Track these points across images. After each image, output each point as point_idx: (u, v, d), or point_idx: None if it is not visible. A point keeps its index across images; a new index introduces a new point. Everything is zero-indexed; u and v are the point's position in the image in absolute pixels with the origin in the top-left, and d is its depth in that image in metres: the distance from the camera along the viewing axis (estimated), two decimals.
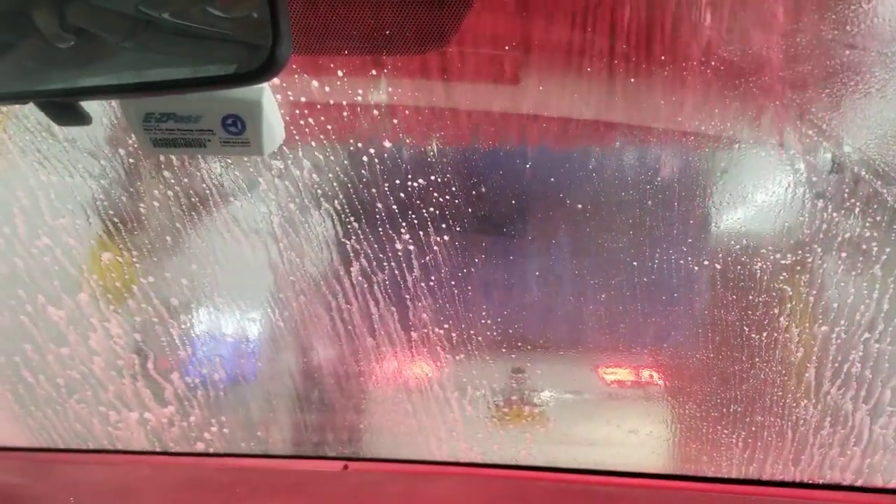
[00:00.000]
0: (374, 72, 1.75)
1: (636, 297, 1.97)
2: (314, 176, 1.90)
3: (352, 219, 1.94)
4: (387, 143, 1.86)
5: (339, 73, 1.74)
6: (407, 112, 1.80)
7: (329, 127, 1.83)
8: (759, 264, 1.87)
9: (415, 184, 1.88)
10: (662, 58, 1.62)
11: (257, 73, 0.84)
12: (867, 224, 1.78)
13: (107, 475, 1.96)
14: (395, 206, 1.91)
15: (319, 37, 1.37)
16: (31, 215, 2.02)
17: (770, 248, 1.86)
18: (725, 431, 2.04)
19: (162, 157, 1.93)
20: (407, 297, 2.04)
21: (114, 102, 1.59)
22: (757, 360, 1.97)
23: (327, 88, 1.77)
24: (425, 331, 2.07)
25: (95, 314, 2.15)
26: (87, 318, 2.15)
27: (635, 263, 1.92)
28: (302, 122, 1.81)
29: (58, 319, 2.14)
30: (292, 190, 1.93)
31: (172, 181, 1.96)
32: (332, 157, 1.87)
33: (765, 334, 1.94)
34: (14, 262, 2.08)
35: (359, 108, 1.78)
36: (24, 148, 1.93)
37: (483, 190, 1.90)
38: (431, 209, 1.90)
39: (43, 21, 0.88)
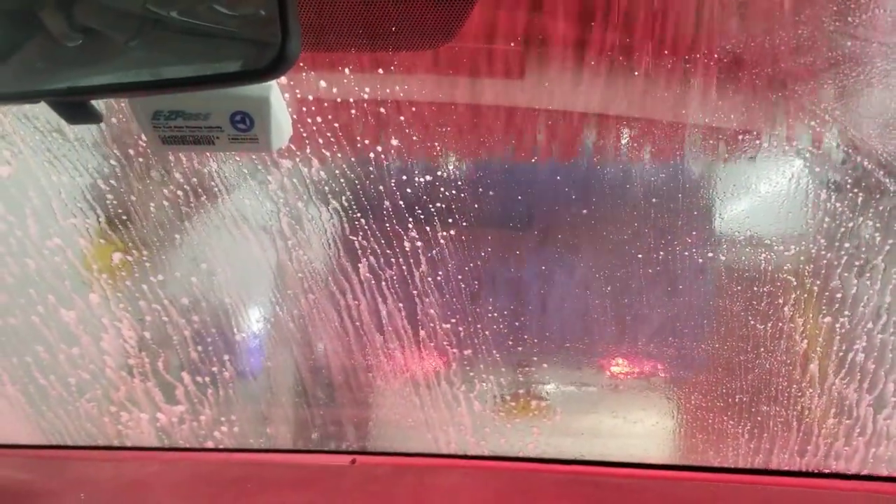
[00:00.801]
0: (380, 70, 1.75)
1: (641, 289, 1.98)
2: (321, 173, 1.91)
3: (359, 215, 1.95)
4: (394, 141, 1.87)
5: (346, 70, 1.75)
6: (414, 109, 1.80)
7: (336, 125, 1.84)
8: (764, 255, 1.88)
9: (421, 180, 1.89)
10: (665, 51, 1.63)
11: (267, 70, 0.85)
12: (870, 214, 1.78)
13: (117, 471, 1.97)
14: (402, 203, 1.92)
15: (326, 34, 1.38)
16: (42, 216, 2.03)
17: (774, 238, 1.86)
18: (731, 422, 2.05)
19: (171, 157, 1.94)
20: (414, 292, 2.04)
21: (123, 100, 1.60)
22: (762, 350, 1.98)
23: (334, 87, 1.78)
24: (432, 325, 2.08)
25: (106, 314, 2.16)
26: (98, 318, 2.16)
27: (640, 256, 1.93)
28: (309, 120, 1.82)
29: (69, 320, 2.15)
30: (300, 188, 1.94)
31: (181, 180, 1.97)
32: (339, 155, 1.88)
33: (769, 324, 1.95)
34: (26, 263, 2.10)
35: (366, 105, 1.79)
36: (35, 148, 1.95)
37: (489, 185, 1.91)
38: (438, 205, 1.91)
39: (51, 20, 0.89)
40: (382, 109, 1.81)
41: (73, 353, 2.19)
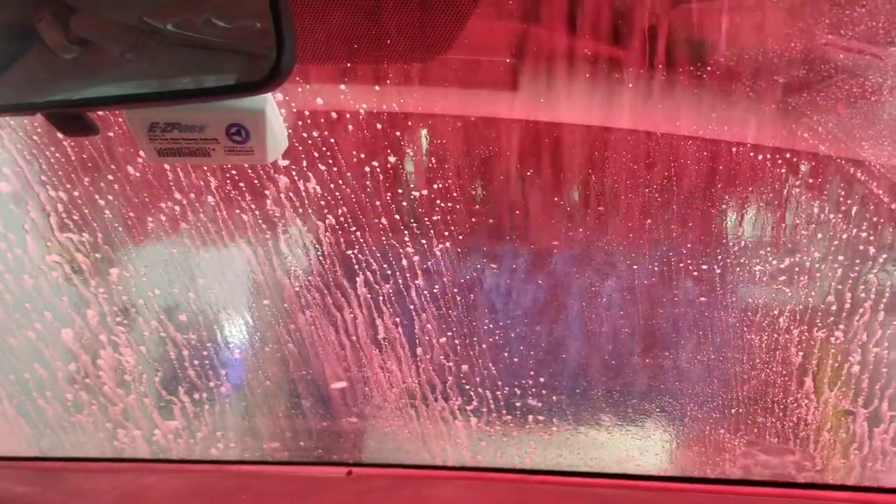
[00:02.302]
0: (377, 87, 1.76)
1: (637, 300, 1.98)
2: (317, 188, 1.91)
3: (355, 229, 1.95)
4: (390, 154, 1.87)
5: (342, 86, 1.76)
6: (409, 122, 1.81)
7: (332, 139, 1.84)
8: (758, 267, 1.88)
9: (418, 193, 1.89)
10: (660, 65, 1.63)
11: (262, 82, 0.85)
12: (864, 226, 1.78)
13: (113, 483, 1.97)
14: (398, 217, 1.92)
15: (321, 47, 1.38)
16: (39, 231, 2.03)
17: (768, 250, 1.86)
18: (728, 434, 2.05)
19: (169, 174, 1.94)
20: (411, 306, 2.04)
21: (118, 113, 1.61)
22: (758, 362, 1.98)
23: (331, 101, 1.78)
24: (429, 339, 2.08)
25: (103, 330, 2.16)
26: (96, 334, 2.17)
27: (636, 268, 1.93)
28: (304, 135, 1.82)
29: (66, 337, 2.15)
30: (297, 202, 1.94)
31: (178, 196, 1.97)
32: (335, 169, 1.88)
33: (765, 337, 1.95)
34: (23, 280, 2.10)
35: (361, 118, 1.79)
36: (32, 162, 1.95)
37: (485, 198, 1.91)
38: (435, 218, 1.91)
39: (48, 32, 0.90)
40: (378, 125, 1.81)
41: (70, 368, 2.19)
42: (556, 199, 1.89)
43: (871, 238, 1.79)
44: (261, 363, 2.22)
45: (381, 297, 2.05)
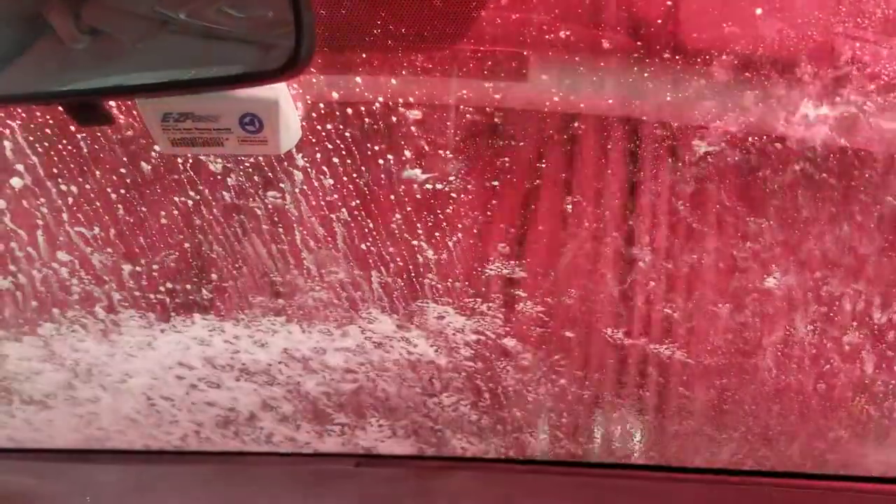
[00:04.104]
0: (393, 80, 1.76)
1: (662, 290, 1.97)
2: (330, 180, 1.91)
3: (369, 223, 1.95)
4: (406, 151, 1.87)
5: (357, 78, 1.76)
6: (423, 116, 1.80)
7: (347, 133, 1.84)
8: (774, 268, 1.87)
9: (431, 187, 1.89)
10: (676, 55, 1.63)
11: (281, 70, 0.86)
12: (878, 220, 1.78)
13: (122, 474, 1.99)
14: (411, 209, 1.92)
15: (335, 37, 1.38)
16: (50, 226, 2.03)
17: (785, 246, 1.85)
18: (742, 427, 2.04)
19: (181, 166, 1.94)
20: (423, 299, 2.04)
21: (131, 103, 1.61)
22: (768, 353, 1.97)
23: (345, 94, 1.78)
24: (441, 331, 2.08)
25: (113, 328, 2.17)
26: (106, 333, 2.17)
27: (647, 260, 1.93)
28: (318, 127, 1.82)
29: (74, 332, 2.16)
30: (311, 196, 1.94)
31: (191, 191, 1.97)
32: (349, 161, 1.88)
33: (782, 334, 1.94)
34: (32, 275, 2.10)
35: (376, 110, 1.79)
36: (45, 154, 1.95)
37: (498, 191, 1.90)
38: (448, 211, 1.91)
39: (57, 21, 0.90)
40: (394, 119, 1.81)
41: (80, 365, 2.20)
42: (572, 190, 1.89)
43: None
44: (275, 360, 2.23)
45: (395, 292, 2.05)
